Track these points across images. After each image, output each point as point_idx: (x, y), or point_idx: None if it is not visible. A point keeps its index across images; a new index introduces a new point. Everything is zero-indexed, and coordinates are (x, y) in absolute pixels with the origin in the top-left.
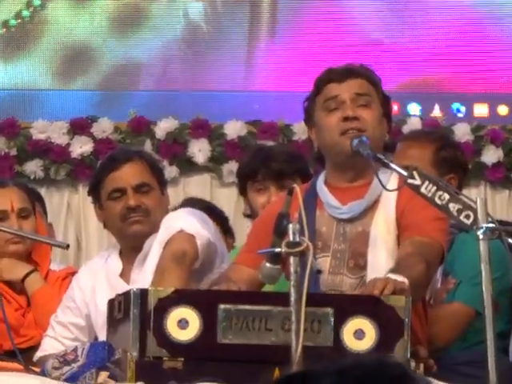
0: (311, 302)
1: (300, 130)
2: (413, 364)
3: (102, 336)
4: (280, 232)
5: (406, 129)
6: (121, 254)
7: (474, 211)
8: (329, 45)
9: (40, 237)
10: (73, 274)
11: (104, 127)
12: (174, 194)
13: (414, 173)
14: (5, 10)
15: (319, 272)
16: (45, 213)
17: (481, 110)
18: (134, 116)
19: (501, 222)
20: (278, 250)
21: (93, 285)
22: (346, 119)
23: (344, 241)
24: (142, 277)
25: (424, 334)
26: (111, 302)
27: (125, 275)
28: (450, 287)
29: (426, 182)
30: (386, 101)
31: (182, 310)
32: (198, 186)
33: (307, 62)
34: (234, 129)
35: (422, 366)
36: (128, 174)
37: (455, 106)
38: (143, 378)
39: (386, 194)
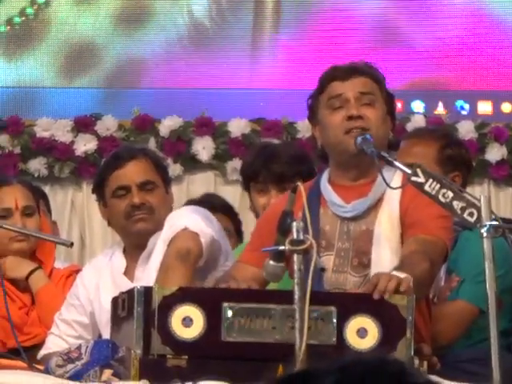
0: (315, 300)
1: (304, 128)
2: (416, 361)
3: (106, 334)
4: (284, 230)
5: (409, 126)
6: (125, 251)
7: (478, 209)
8: (333, 42)
9: (44, 235)
10: (77, 271)
11: (108, 125)
12: (178, 192)
13: (418, 170)
14: (9, 8)
15: (323, 270)
16: (49, 211)
17: (485, 107)
18: (137, 114)
19: (504, 220)
20: (281, 247)
21: (97, 282)
22: (350, 118)
23: (348, 239)
24: (146, 275)
25: (427, 332)
26: (115, 300)
27: (129, 273)
28: (454, 285)
29: (430, 180)
30: (389, 99)
31: (187, 308)
32: (202, 183)
33: (312, 60)
34: (237, 126)
35: (425, 363)
36: (132, 172)
37: (459, 103)
38: (147, 376)
39: (389, 192)
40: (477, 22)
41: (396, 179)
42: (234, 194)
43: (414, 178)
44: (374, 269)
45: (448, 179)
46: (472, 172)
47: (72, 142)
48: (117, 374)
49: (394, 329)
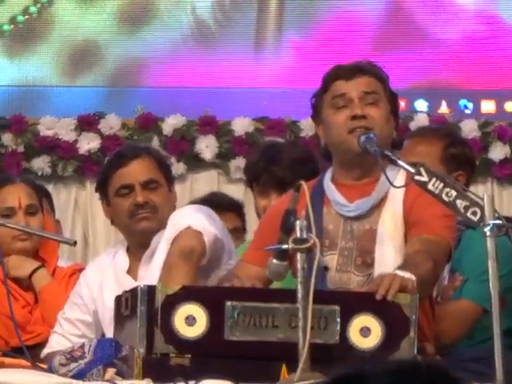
0: (318, 299)
1: (307, 127)
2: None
3: (109, 332)
4: (287, 228)
5: (413, 125)
6: (128, 250)
7: (481, 208)
8: (337, 41)
9: (47, 233)
10: (80, 270)
11: (111, 124)
12: (182, 191)
13: (421, 169)
14: (12, 6)
15: (326, 269)
16: (52, 209)
17: (488, 106)
18: (141, 112)
19: (508, 219)
20: (285, 246)
21: (100, 281)
22: (353, 118)
23: (351, 238)
24: (150, 273)
25: (431, 331)
26: (118, 299)
27: (132, 272)
28: (457, 284)
29: (433, 179)
30: (393, 98)
31: (190, 307)
32: (206, 182)
33: (315, 59)
34: (241, 125)
35: None
36: (136, 171)
37: (462, 102)
38: (150, 375)
39: (393, 191)
40: (480, 21)
41: (399, 178)
42: (237, 193)
43: (417, 177)
44: (378, 268)
45: (451, 178)
46: (475, 171)
47: (75, 141)
48: (120, 373)
49: (397, 328)
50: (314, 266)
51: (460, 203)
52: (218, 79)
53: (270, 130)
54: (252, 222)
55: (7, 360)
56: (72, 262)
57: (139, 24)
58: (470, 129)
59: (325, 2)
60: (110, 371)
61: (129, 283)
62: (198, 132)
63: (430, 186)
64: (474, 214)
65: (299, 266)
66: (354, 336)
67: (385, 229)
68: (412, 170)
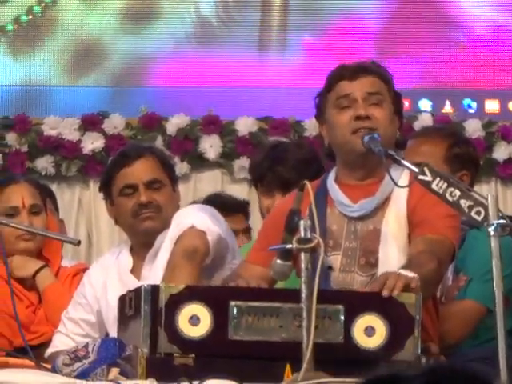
0: (322, 298)
1: (311, 127)
2: (424, 360)
3: (113, 332)
4: (291, 228)
5: (417, 125)
6: (132, 250)
7: (485, 207)
8: (342, 41)
9: (51, 233)
10: (84, 270)
11: (115, 123)
12: (185, 190)
13: (425, 169)
14: (16, 6)
15: (330, 268)
16: (56, 209)
17: (492, 105)
18: (145, 112)
19: None
20: (289, 246)
21: (104, 281)
22: (357, 118)
23: (355, 239)
24: (153, 273)
25: (435, 331)
26: (122, 299)
27: (136, 271)
28: (461, 284)
29: (437, 179)
30: (397, 98)
31: (194, 307)
32: (209, 182)
33: (320, 59)
34: (245, 125)
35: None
36: (139, 170)
37: (466, 102)
38: (154, 375)
39: (396, 191)
40: (484, 20)
41: (403, 178)
42: (241, 193)
43: (421, 177)
44: (382, 268)
45: (455, 178)
46: (479, 171)
47: (79, 141)
48: (124, 373)
49: (401, 327)
50: (318, 265)
51: (464, 203)
52: (221, 79)
53: (273, 129)
54: (256, 222)
55: (11, 360)
56: (76, 261)
57: (143, 23)
58: (473, 128)
59: (328, 3)
60: (114, 371)
61: (132, 283)
62: (202, 132)
63: (433, 186)
64: (478, 213)
65: (303, 265)
66: (359, 336)
67: (389, 229)
68: (416, 170)
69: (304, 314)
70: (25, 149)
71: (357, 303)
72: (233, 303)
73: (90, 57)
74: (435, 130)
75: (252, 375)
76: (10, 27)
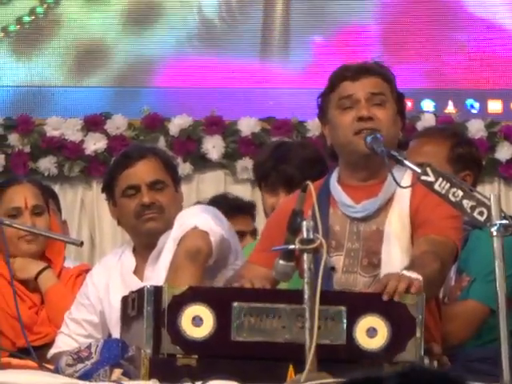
0: (324, 299)
1: (314, 127)
2: (426, 361)
3: (116, 333)
4: (294, 229)
5: (419, 125)
6: (134, 250)
7: (488, 208)
8: (344, 41)
9: (54, 234)
10: (86, 271)
11: (118, 124)
12: (188, 191)
13: (428, 170)
14: (19, 7)
15: (333, 269)
16: (59, 210)
17: (495, 106)
18: (147, 113)
19: None
20: (291, 246)
21: (107, 282)
22: (360, 119)
23: (357, 239)
24: (156, 274)
25: (438, 332)
26: (125, 299)
27: (138, 272)
28: (464, 285)
29: (440, 179)
30: (399, 98)
31: (196, 308)
32: (212, 182)
33: (322, 59)
34: (247, 125)
35: (435, 363)
36: (142, 171)
37: (469, 102)
38: (157, 376)
39: (399, 191)
40: (487, 20)
41: (406, 179)
42: (244, 193)
43: (423, 177)
44: (385, 269)
45: (458, 178)
46: (482, 171)
47: (82, 141)
48: (127, 374)
49: (403, 328)
50: (321, 266)
51: (467, 203)
52: (224, 79)
53: (276, 130)
54: (261, 223)
55: (14, 361)
56: (78, 262)
57: (145, 24)
58: (476, 129)
59: (331, 3)
60: (117, 372)
61: (135, 283)
62: (205, 132)
63: (436, 186)
64: (481, 213)
65: (306, 266)
66: (361, 337)
67: (391, 229)
68: (418, 170)
69: (307, 315)
70: (27, 149)
71: (359, 304)
72: (235, 304)
73: (93, 57)
74: (438, 130)
75: (255, 376)
76: (12, 28)
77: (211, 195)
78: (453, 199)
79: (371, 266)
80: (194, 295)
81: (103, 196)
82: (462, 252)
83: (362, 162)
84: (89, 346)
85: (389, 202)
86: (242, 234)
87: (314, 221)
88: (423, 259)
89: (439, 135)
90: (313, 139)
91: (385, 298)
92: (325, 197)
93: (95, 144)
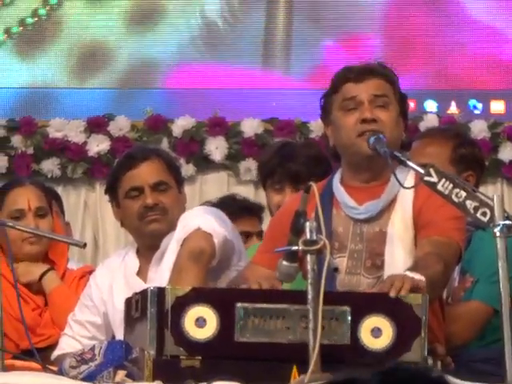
0: (328, 300)
1: (317, 128)
2: (430, 361)
3: (120, 334)
4: (297, 230)
5: (422, 126)
6: (138, 252)
7: (491, 208)
8: (346, 42)
9: (57, 236)
10: (90, 272)
11: (121, 125)
12: (191, 192)
13: (431, 170)
14: (21, 9)
15: (336, 270)
16: (62, 211)
17: (497, 106)
18: (150, 114)
19: None
20: (295, 248)
21: (110, 283)
22: (363, 121)
23: (361, 241)
24: (159, 275)
25: (441, 332)
26: (128, 301)
27: (142, 273)
28: (468, 286)
29: (443, 180)
30: (402, 99)
31: (200, 309)
32: (215, 183)
33: (324, 60)
34: (250, 126)
35: (439, 363)
36: (145, 173)
37: (472, 102)
38: (160, 377)
39: (402, 192)
40: (489, 21)
41: (409, 179)
42: (247, 195)
43: (427, 178)
44: (388, 270)
45: (461, 179)
46: (485, 171)
47: (85, 143)
48: (130, 375)
49: (408, 328)
50: (324, 267)
51: (470, 204)
52: (227, 80)
53: (279, 131)
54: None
55: (18, 362)
56: (82, 264)
57: (148, 26)
58: (479, 129)
59: (334, 3)
60: (121, 373)
61: (139, 285)
62: (208, 133)
63: (439, 187)
64: (484, 214)
65: (309, 267)
66: (365, 337)
67: (394, 230)
68: (422, 171)
69: (310, 316)
70: (30, 151)
71: (363, 304)
72: (239, 305)
73: (96, 59)
74: (440, 131)
75: (258, 377)
76: (15, 29)
77: (214, 196)
78: (456, 200)
79: (374, 267)
80: (198, 296)
81: (106, 197)
82: (466, 253)
83: (364, 163)
84: (92, 348)
85: (392, 203)
86: (247, 235)
87: (317, 222)
88: (426, 260)
89: (442, 136)
90: (316, 140)
91: (392, 293)
92: (328, 198)
93: (98, 145)
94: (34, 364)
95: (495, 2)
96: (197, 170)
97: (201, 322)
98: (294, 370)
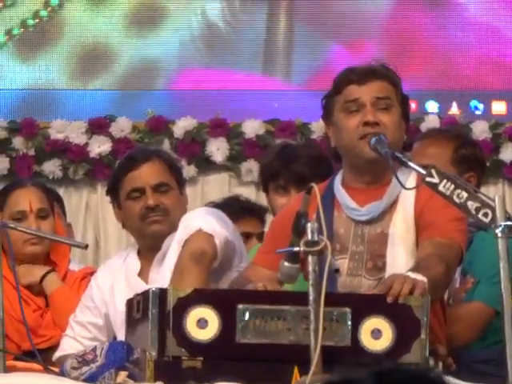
0: (329, 301)
1: (318, 129)
2: (431, 362)
3: (121, 335)
4: (298, 231)
5: (423, 127)
6: (139, 253)
7: (493, 209)
8: (347, 42)
9: (58, 237)
10: (91, 273)
11: (122, 126)
12: (193, 194)
13: (433, 171)
14: (23, 10)
15: (337, 271)
16: (63, 213)
17: (499, 107)
18: (152, 115)
19: None
20: (296, 248)
21: (111, 284)
22: (366, 124)
23: (362, 242)
24: (161, 276)
25: (443, 333)
26: (130, 302)
27: (143, 275)
28: (469, 286)
29: (444, 181)
30: (404, 101)
31: (201, 310)
32: (217, 185)
33: (326, 60)
34: (252, 128)
35: (440, 364)
36: (147, 174)
37: (473, 103)
38: (162, 378)
39: (404, 194)
40: (491, 21)
41: (411, 181)
42: (248, 196)
43: (428, 179)
44: (389, 271)
45: (463, 180)
46: (486, 172)
47: (86, 144)
48: (132, 376)
49: (408, 330)
50: (326, 268)
51: (471, 204)
52: (228, 81)
53: (280, 132)
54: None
55: (19, 364)
56: (83, 265)
57: (149, 27)
58: (480, 130)
59: (335, 5)
60: (122, 374)
61: (140, 286)
62: (209, 134)
63: (441, 188)
64: (486, 215)
65: (310, 268)
66: (366, 338)
67: (396, 232)
68: (423, 172)
69: (311, 317)
70: (32, 152)
71: (364, 306)
72: (240, 306)
73: (97, 60)
74: (441, 131)
75: (260, 378)
76: (16, 31)
77: (216, 198)
78: (457, 201)
79: (376, 268)
80: (199, 297)
81: (108, 199)
82: (467, 254)
83: (366, 166)
84: (94, 349)
85: (393, 204)
86: (247, 236)
87: (319, 224)
88: (428, 261)
89: (442, 137)
90: (317, 141)
91: (389, 299)
92: (329, 199)
93: (100, 147)
94: (35, 365)
95: (496, 4)
96: (198, 171)
97: (202, 323)
98: (295, 371)
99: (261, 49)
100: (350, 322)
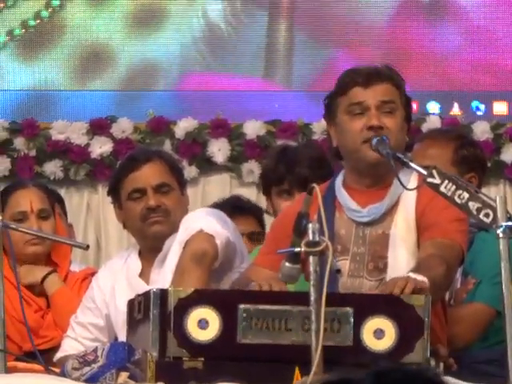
0: (331, 301)
1: (319, 130)
2: (432, 363)
3: (122, 336)
4: (299, 231)
5: (425, 127)
6: (140, 254)
7: (494, 209)
8: (348, 43)
9: (60, 237)
10: (92, 274)
11: (123, 127)
12: (194, 194)
13: (434, 172)
14: (24, 11)
15: (339, 272)
16: (64, 213)
17: (500, 107)
18: (153, 116)
19: None
20: (297, 249)
21: (112, 285)
22: (370, 128)
23: (363, 244)
24: (162, 277)
25: (444, 334)
26: (131, 303)
27: (144, 275)
28: (470, 287)
29: (446, 181)
30: (407, 103)
31: (202, 311)
32: (218, 185)
33: (327, 61)
34: (253, 128)
35: (441, 364)
36: (148, 175)
37: (474, 104)
38: (163, 379)
39: (405, 195)
40: (492, 21)
41: (412, 182)
42: (249, 196)
43: (429, 180)
44: (391, 272)
45: (464, 180)
46: (487, 172)
47: (87, 145)
48: (133, 377)
49: (411, 329)
50: (327, 268)
51: (472, 205)
52: (229, 82)
53: (281, 132)
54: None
55: (20, 364)
56: (84, 266)
57: (150, 28)
58: (482, 130)
59: (335, 5)
60: (123, 375)
61: (141, 287)
62: (210, 135)
63: (442, 189)
64: (487, 215)
65: (312, 268)
66: (368, 338)
67: (397, 233)
68: (424, 172)
69: (313, 317)
70: (33, 153)
71: (366, 306)
72: (241, 306)
73: (98, 61)
74: (442, 132)
75: (261, 378)
76: (17, 32)
77: (217, 198)
78: (459, 201)
79: (377, 270)
80: (200, 298)
81: (109, 199)
82: (468, 254)
83: (368, 169)
84: (95, 350)
85: (394, 205)
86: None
87: (320, 224)
88: (429, 262)
89: (443, 137)
90: (318, 141)
91: (396, 291)
92: (330, 201)
93: (101, 147)
94: (36, 366)
95: (494, 8)
96: (199, 172)
97: (203, 324)
98: (297, 371)
99: (262, 53)
100: (352, 322)
